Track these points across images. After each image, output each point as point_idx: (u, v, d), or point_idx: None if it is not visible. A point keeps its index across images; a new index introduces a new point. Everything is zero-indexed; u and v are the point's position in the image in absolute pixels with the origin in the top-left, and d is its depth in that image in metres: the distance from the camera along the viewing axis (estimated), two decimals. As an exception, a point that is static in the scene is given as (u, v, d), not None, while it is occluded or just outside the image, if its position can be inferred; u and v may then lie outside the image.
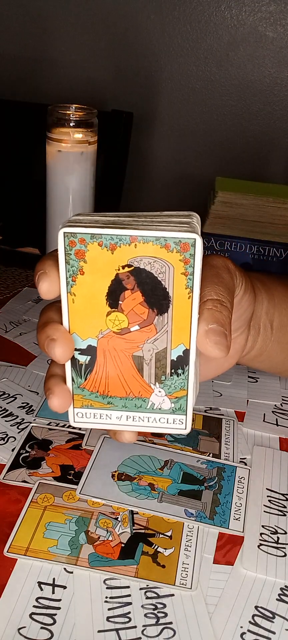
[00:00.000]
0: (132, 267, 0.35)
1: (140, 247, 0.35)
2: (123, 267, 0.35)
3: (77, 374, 0.39)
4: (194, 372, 0.38)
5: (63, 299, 0.37)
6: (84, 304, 0.37)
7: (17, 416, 0.52)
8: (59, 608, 0.36)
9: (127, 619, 0.35)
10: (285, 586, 0.38)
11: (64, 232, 0.35)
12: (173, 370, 0.38)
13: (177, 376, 0.38)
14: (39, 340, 0.39)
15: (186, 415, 0.39)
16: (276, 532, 0.42)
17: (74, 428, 0.51)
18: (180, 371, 0.38)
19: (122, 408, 0.39)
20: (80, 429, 0.50)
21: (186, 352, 0.37)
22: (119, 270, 0.36)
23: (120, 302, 0.36)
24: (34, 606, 0.36)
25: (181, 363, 0.38)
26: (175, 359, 0.38)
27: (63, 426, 0.51)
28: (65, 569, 0.38)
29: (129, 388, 0.39)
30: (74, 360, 0.38)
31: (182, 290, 0.36)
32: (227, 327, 0.39)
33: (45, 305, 0.41)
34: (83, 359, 0.38)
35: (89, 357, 0.38)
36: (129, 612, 0.36)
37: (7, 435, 0.50)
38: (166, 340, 0.37)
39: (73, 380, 0.39)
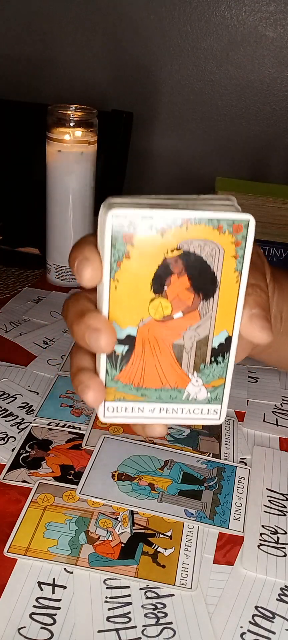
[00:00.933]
0: (181, 251, 0.34)
1: (192, 229, 0.33)
2: (172, 251, 0.34)
3: (111, 366, 0.36)
4: (234, 360, 0.37)
5: (105, 285, 0.34)
6: (127, 290, 0.34)
7: (17, 416, 0.52)
8: (59, 608, 0.36)
9: (127, 619, 0.35)
10: (285, 586, 0.38)
11: (113, 214, 0.33)
12: (213, 358, 0.37)
13: (217, 364, 0.37)
14: (75, 331, 0.36)
15: (221, 404, 0.38)
16: (276, 532, 0.42)
17: (74, 428, 0.51)
18: (220, 359, 0.37)
19: (156, 400, 0.38)
20: (80, 428, 0.50)
21: (228, 339, 0.36)
22: (167, 253, 0.34)
23: (165, 287, 0.35)
24: (34, 606, 0.36)
25: (222, 350, 0.36)
26: (216, 347, 0.36)
27: (63, 426, 0.51)
28: (65, 569, 0.38)
29: (165, 378, 0.37)
30: None
31: (231, 274, 0.34)
32: (268, 311, 0.38)
33: (70, 296, 0.38)
34: (120, 349, 0.36)
35: (126, 347, 0.36)
36: (129, 612, 0.36)
37: (7, 435, 0.50)
38: (209, 326, 0.36)
39: (107, 372, 0.37)
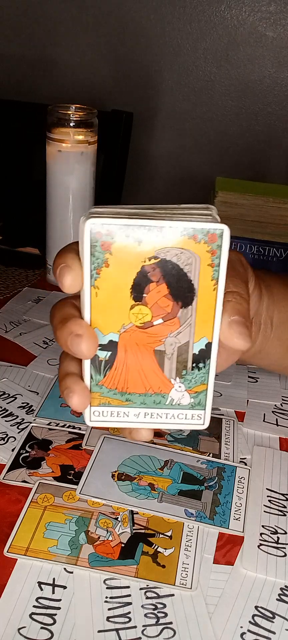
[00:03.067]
0: (159, 259, 0.35)
1: (168, 239, 0.34)
2: (149, 259, 0.35)
3: (96, 371, 0.38)
4: (215, 366, 0.38)
5: (86, 292, 0.36)
6: (107, 297, 0.36)
7: (17, 416, 0.52)
8: (59, 608, 0.36)
9: (127, 619, 0.35)
10: (285, 586, 0.38)
11: (91, 223, 0.34)
12: (194, 364, 0.37)
13: (198, 370, 0.38)
14: (59, 337, 0.37)
15: (205, 410, 0.39)
16: (276, 532, 0.42)
17: (74, 428, 0.51)
18: (201, 365, 0.37)
19: (140, 405, 0.39)
20: (80, 428, 0.50)
21: (208, 345, 0.37)
22: (145, 262, 0.35)
23: (144, 295, 0.36)
24: (34, 606, 0.36)
25: (203, 357, 0.37)
26: (197, 353, 0.37)
27: (63, 426, 0.51)
28: (65, 569, 0.38)
29: (148, 384, 0.38)
30: (93, 356, 0.37)
31: (208, 282, 0.35)
32: (248, 318, 0.39)
33: (57, 302, 0.40)
34: (103, 354, 0.37)
35: (109, 353, 0.37)
36: (129, 612, 0.36)
37: (7, 435, 0.50)
38: (189, 333, 0.37)
39: (91, 377, 0.38)
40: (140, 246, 0.34)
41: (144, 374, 0.38)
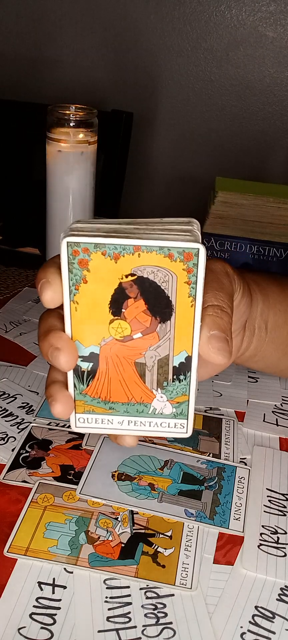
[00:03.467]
0: (135, 276, 0.35)
1: (144, 256, 0.35)
2: (126, 276, 0.35)
3: (79, 381, 0.39)
4: (195, 378, 0.38)
5: (66, 307, 0.37)
6: (87, 312, 0.37)
7: (17, 416, 0.52)
8: (59, 608, 0.36)
9: (127, 619, 0.35)
10: (285, 586, 0.38)
11: (67, 242, 0.35)
12: (175, 376, 0.38)
13: (179, 382, 0.38)
14: (41, 348, 0.39)
15: (187, 419, 0.39)
16: (276, 532, 0.42)
17: (74, 428, 0.51)
18: (182, 377, 0.38)
19: (123, 413, 0.39)
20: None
21: (188, 358, 0.38)
22: (122, 279, 0.36)
23: (123, 310, 0.36)
24: (34, 606, 0.36)
25: (183, 369, 0.38)
26: (177, 366, 0.38)
27: (63, 426, 0.51)
28: (65, 569, 0.38)
29: (130, 394, 0.39)
30: (76, 367, 0.38)
31: (185, 298, 0.36)
32: (228, 332, 0.39)
33: (44, 312, 0.41)
34: (85, 365, 0.38)
35: (91, 364, 0.38)
36: (129, 612, 0.36)
37: (7, 435, 0.50)
38: (168, 347, 0.37)
39: (75, 386, 0.39)
40: (117, 263, 0.35)
41: (125, 384, 0.39)
